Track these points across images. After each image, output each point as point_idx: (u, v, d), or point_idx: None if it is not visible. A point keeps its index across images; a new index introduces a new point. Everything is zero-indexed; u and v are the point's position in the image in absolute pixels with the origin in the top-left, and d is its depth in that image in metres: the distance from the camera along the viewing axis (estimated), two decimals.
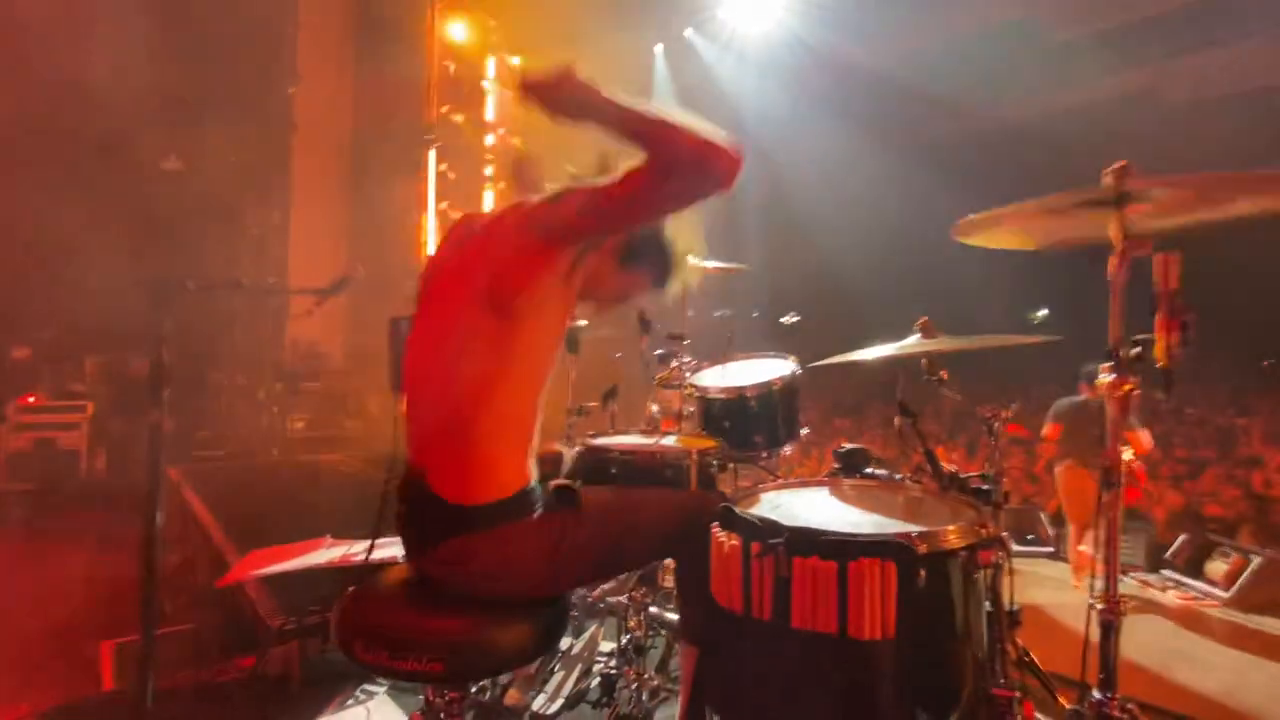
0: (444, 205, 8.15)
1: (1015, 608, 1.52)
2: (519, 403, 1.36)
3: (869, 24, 9.45)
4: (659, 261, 1.51)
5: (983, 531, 1.28)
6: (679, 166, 1.12)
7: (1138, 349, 1.37)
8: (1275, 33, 8.32)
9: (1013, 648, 1.60)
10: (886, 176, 10.13)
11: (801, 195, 10.44)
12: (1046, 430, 4.29)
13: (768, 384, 2.19)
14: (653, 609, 2.14)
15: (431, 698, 1.44)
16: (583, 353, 2.54)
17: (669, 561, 1.82)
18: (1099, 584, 1.38)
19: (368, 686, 2.34)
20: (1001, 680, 1.38)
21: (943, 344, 1.82)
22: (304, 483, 5.34)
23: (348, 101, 9.74)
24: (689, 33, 10.06)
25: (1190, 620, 3.68)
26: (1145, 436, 4.05)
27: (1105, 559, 1.38)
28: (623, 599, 2.12)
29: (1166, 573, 4.28)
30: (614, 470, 1.90)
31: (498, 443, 1.34)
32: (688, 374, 2.44)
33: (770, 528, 1.23)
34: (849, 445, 1.76)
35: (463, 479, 1.32)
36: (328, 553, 2.65)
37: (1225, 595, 3.85)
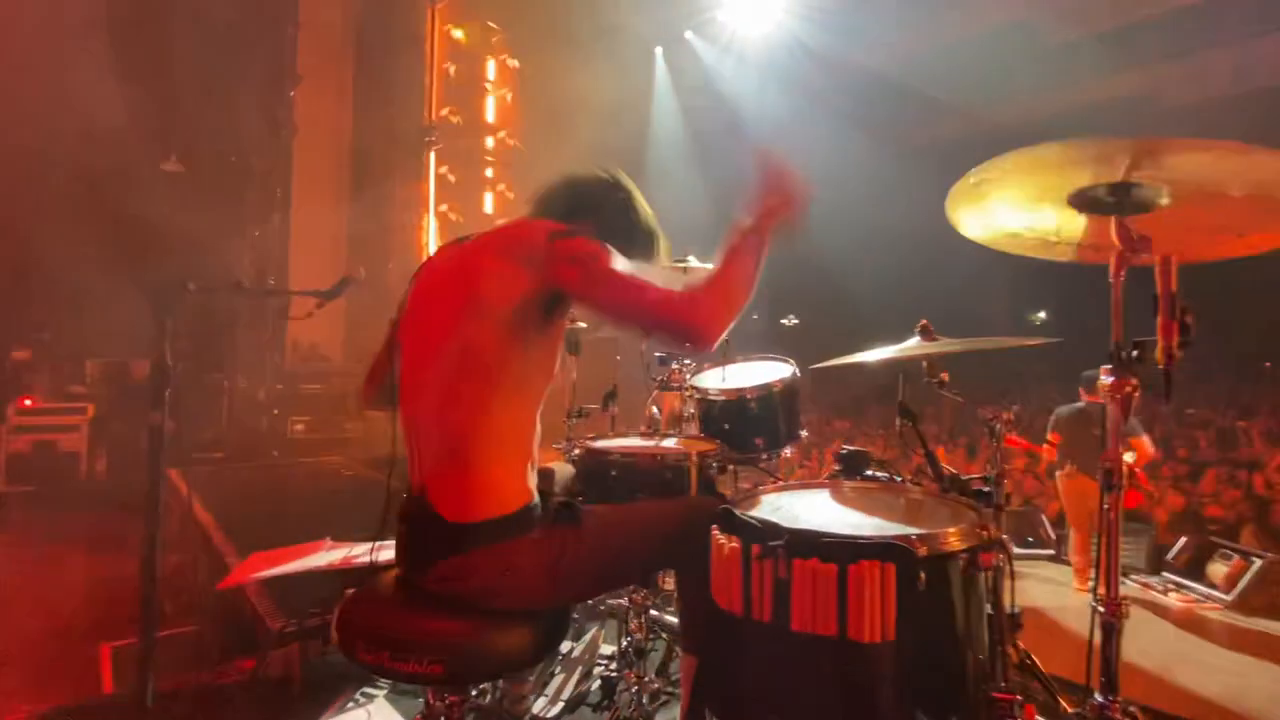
0: (444, 207, 8.15)
1: (1016, 610, 1.51)
2: (516, 418, 1.35)
3: (868, 26, 9.46)
4: (639, 239, 1.55)
5: (983, 534, 1.27)
6: (679, 332, 1.25)
7: (1137, 350, 1.36)
8: (1276, 33, 8.33)
9: (1014, 650, 1.60)
10: (886, 178, 10.14)
11: None
12: (1049, 439, 4.33)
13: (768, 386, 2.19)
14: (653, 612, 2.13)
15: (432, 700, 1.43)
16: (583, 354, 2.55)
17: None
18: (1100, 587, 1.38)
19: (368, 689, 2.34)
20: (1002, 683, 1.37)
21: (943, 346, 1.82)
22: (304, 485, 5.35)
23: (348, 103, 9.75)
24: (689, 35, 10.08)
25: (1192, 623, 3.68)
26: (1148, 443, 4.05)
27: (1106, 562, 1.38)
28: (623, 602, 2.12)
29: (1167, 575, 4.28)
30: (614, 473, 1.90)
31: (496, 459, 1.33)
32: (688, 376, 2.44)
33: (770, 530, 1.23)
34: (849, 447, 1.76)
35: (462, 496, 1.31)
36: (328, 555, 2.65)
37: (1226, 598, 3.84)
